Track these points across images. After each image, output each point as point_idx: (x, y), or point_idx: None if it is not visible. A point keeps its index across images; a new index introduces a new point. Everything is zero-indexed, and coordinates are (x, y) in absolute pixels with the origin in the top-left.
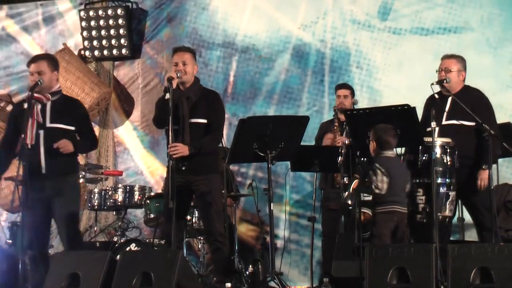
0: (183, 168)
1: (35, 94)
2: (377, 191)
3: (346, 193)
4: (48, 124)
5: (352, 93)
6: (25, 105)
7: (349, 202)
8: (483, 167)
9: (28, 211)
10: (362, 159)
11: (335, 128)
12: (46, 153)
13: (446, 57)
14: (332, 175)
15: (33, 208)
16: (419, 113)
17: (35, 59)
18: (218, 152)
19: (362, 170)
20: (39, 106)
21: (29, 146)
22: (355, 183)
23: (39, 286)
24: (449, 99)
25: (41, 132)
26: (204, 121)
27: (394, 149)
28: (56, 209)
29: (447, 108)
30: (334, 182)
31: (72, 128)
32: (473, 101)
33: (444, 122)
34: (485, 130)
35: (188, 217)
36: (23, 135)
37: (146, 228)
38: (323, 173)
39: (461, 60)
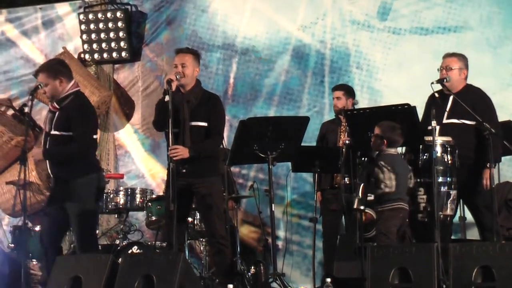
0: (184, 171)
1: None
2: (387, 189)
3: (356, 200)
4: (52, 132)
5: (346, 94)
6: (26, 109)
7: (362, 207)
8: (488, 165)
9: (44, 217)
10: (362, 159)
11: (342, 129)
12: (51, 160)
13: (448, 55)
14: (332, 175)
15: (49, 213)
16: (419, 113)
17: (37, 72)
18: (218, 154)
19: (364, 169)
20: (50, 115)
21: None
22: (361, 187)
23: None
24: (451, 98)
25: (48, 139)
26: (204, 124)
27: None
28: (69, 213)
29: (448, 107)
30: (333, 182)
31: (69, 133)
32: (474, 100)
33: (445, 120)
34: (486, 129)
35: (190, 219)
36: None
37: (148, 230)
38: (322, 174)
39: (462, 58)
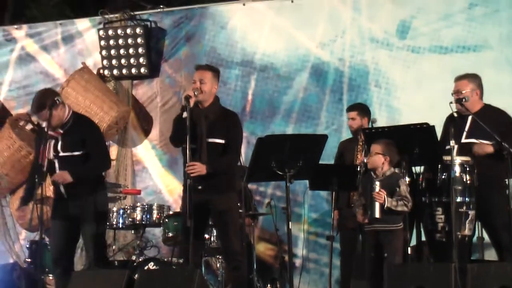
0: (199, 187)
1: (49, 132)
2: (406, 209)
3: (377, 210)
4: (61, 154)
5: (361, 114)
6: (44, 124)
7: (378, 216)
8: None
9: (53, 230)
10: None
11: (359, 147)
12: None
13: (458, 78)
14: (348, 194)
15: (59, 228)
16: (438, 132)
17: (37, 111)
18: (235, 171)
19: (387, 185)
20: (53, 142)
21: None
22: (380, 198)
23: None
24: (469, 118)
25: (56, 161)
26: (221, 141)
27: None
28: (81, 229)
29: (467, 127)
30: (349, 201)
31: (81, 152)
32: (493, 119)
33: (463, 140)
34: (504, 149)
35: (207, 236)
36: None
37: (164, 247)
38: (339, 192)
39: (473, 79)
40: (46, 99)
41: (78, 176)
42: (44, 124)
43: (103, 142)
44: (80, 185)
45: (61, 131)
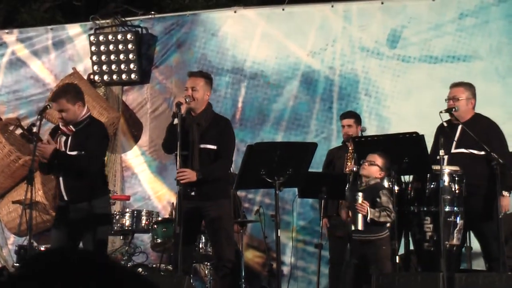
0: (192, 194)
1: (62, 127)
2: (389, 219)
3: (360, 221)
4: (68, 152)
5: (357, 121)
6: (35, 129)
7: (360, 228)
8: (504, 193)
9: (54, 234)
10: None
11: (349, 156)
12: (65, 181)
13: (454, 85)
14: (337, 202)
15: (59, 232)
16: (427, 141)
17: (55, 97)
18: (228, 177)
19: (369, 195)
20: (63, 138)
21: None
22: (363, 209)
23: None
24: (459, 127)
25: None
26: (213, 147)
27: None
28: (82, 234)
29: (456, 137)
30: (339, 209)
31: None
32: (484, 130)
33: (453, 150)
34: (494, 159)
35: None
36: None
37: (152, 253)
38: (328, 200)
39: (469, 87)
40: (67, 91)
41: (58, 158)
42: (35, 129)
43: (100, 144)
44: (83, 187)
45: (73, 129)
